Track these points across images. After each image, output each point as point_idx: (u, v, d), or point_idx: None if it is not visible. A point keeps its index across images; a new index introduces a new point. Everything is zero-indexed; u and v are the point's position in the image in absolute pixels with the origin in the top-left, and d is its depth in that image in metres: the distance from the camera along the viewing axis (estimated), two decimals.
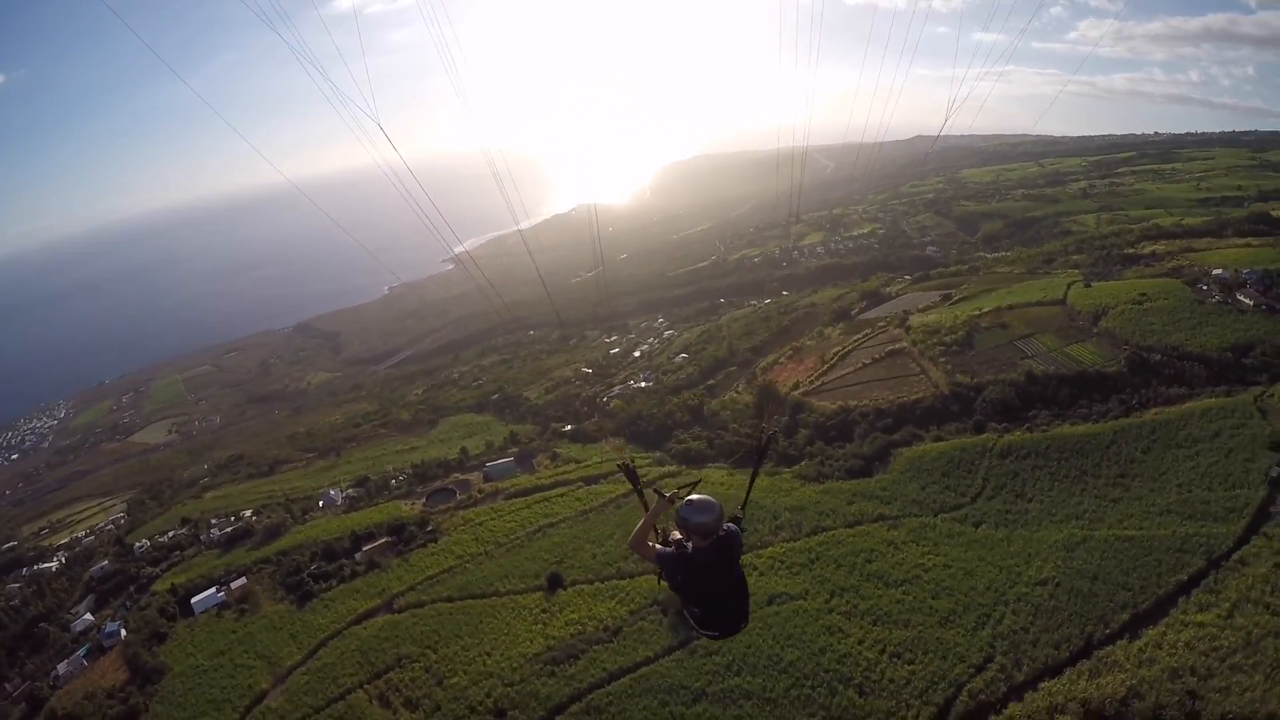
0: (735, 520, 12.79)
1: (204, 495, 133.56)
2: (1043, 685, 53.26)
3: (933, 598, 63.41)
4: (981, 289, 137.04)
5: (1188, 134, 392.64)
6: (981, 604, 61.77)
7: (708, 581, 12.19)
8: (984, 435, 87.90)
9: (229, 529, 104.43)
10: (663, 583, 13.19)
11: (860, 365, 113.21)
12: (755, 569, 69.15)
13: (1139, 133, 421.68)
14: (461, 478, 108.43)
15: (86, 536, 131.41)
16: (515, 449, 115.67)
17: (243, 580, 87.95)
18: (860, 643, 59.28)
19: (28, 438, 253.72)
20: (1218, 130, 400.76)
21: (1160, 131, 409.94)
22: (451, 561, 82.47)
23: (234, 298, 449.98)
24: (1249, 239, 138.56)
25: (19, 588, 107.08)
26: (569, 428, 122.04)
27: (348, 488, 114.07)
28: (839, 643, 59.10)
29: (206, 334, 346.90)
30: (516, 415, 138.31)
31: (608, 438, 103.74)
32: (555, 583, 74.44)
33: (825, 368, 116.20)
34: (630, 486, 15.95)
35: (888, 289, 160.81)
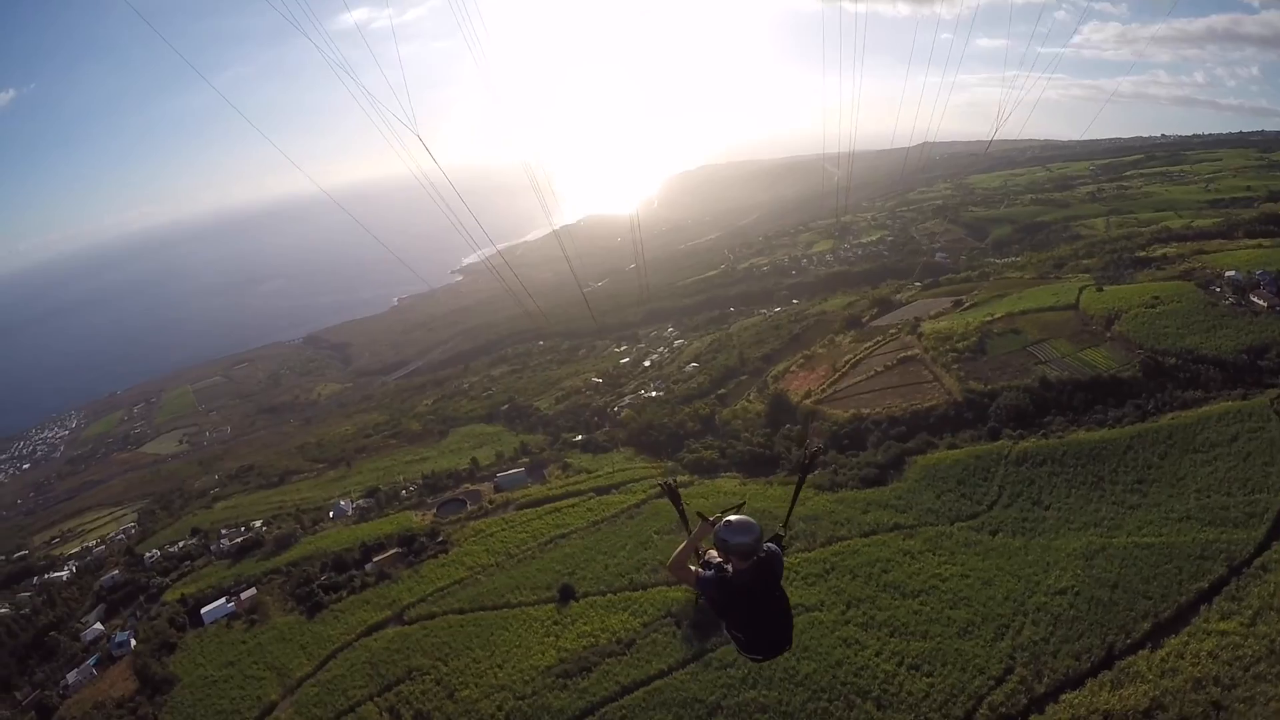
0: (776, 539, 12.38)
1: (214, 505, 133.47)
2: (1064, 697, 52.42)
3: (950, 608, 62.59)
4: (993, 295, 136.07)
5: (1194, 136, 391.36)
6: (1000, 614, 60.92)
7: (749, 605, 11.63)
8: (999, 442, 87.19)
9: (239, 539, 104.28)
10: (701, 601, 12.86)
11: (872, 373, 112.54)
12: None
13: (1146, 135, 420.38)
14: (472, 488, 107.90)
15: (97, 546, 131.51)
16: (526, 459, 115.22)
17: (252, 591, 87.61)
18: (877, 655, 58.46)
19: (39, 448, 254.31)
20: (1225, 131, 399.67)
21: (1167, 134, 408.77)
22: (462, 573, 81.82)
23: (243, 310, 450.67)
24: (1260, 240, 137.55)
25: (29, 596, 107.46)
26: (580, 438, 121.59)
27: (358, 498, 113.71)
28: (856, 655, 58.27)
29: (216, 345, 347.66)
30: (527, 425, 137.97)
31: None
32: (567, 594, 73.70)
33: (837, 376, 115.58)
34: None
35: (898, 296, 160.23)
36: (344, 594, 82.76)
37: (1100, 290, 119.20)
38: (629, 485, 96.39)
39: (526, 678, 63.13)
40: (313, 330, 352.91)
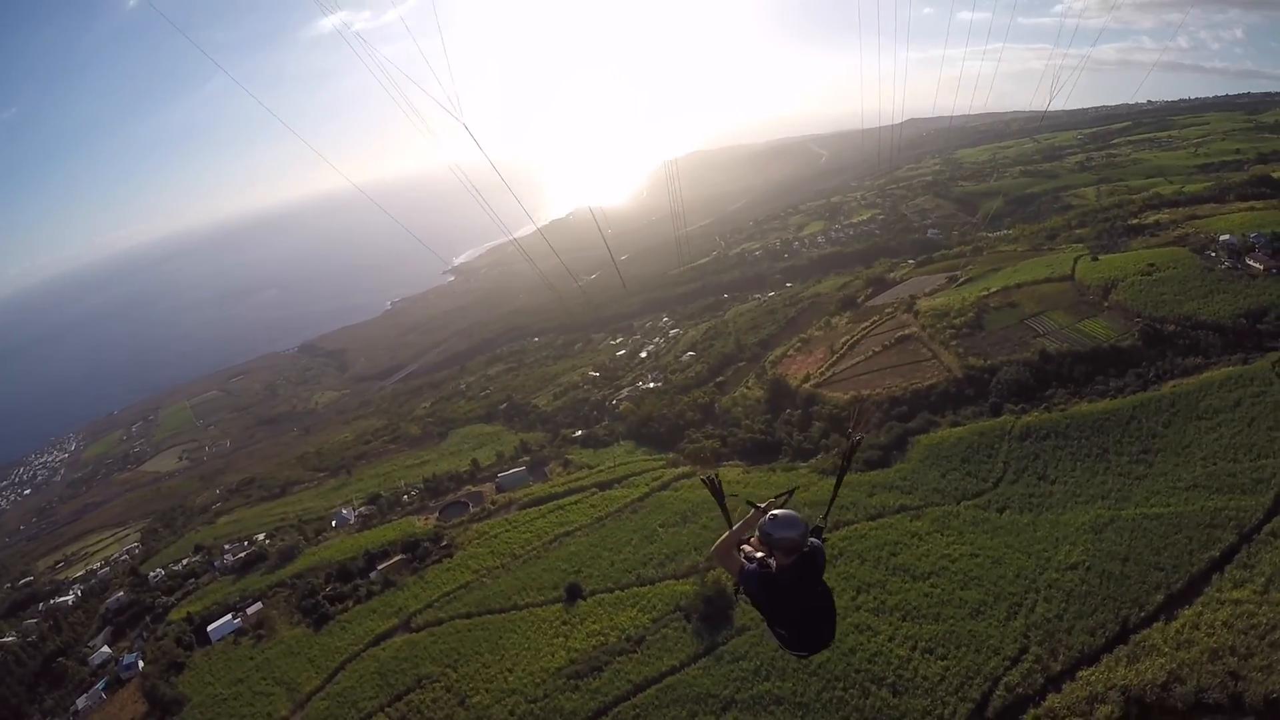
0: (817, 532, 11.89)
1: (216, 521, 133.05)
2: (1080, 674, 51.87)
3: (961, 589, 62.01)
4: (987, 269, 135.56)
5: (1181, 100, 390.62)
6: (1012, 593, 60.35)
7: (793, 600, 11.20)
8: (1001, 418, 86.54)
9: (242, 554, 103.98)
10: (739, 594, 12.33)
11: (870, 353, 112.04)
12: None
13: (1132, 102, 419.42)
14: (474, 490, 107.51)
15: (101, 568, 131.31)
16: (526, 458, 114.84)
17: (258, 605, 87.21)
18: (890, 640, 57.87)
19: (39, 473, 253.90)
20: (1211, 95, 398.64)
21: (1153, 100, 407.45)
22: (468, 576, 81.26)
23: (236, 322, 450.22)
24: (1253, 203, 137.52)
25: (36, 623, 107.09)
26: (579, 433, 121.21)
27: (360, 506, 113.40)
28: (869, 641, 57.67)
29: (212, 360, 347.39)
30: (526, 423, 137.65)
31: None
32: (574, 593, 73.11)
33: (835, 358, 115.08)
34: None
35: (892, 274, 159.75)
36: (350, 604, 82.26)
37: (1095, 260, 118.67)
38: (631, 479, 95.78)
39: (537, 680, 62.56)
40: (307, 339, 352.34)
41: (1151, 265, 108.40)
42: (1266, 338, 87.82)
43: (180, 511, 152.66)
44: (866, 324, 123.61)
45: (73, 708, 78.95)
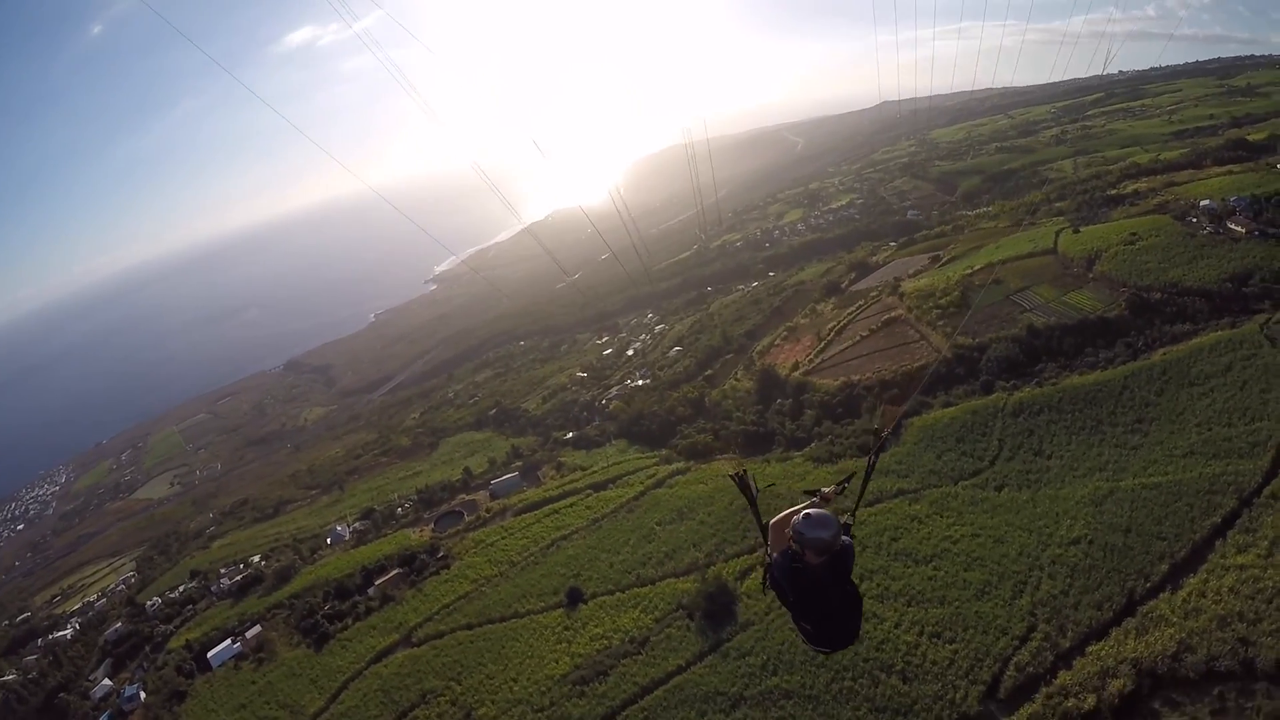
0: (845, 529, 12.14)
1: (211, 545, 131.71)
2: (1090, 649, 51.48)
3: (965, 570, 61.61)
4: (969, 247, 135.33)
5: (1152, 69, 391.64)
6: (1016, 571, 59.97)
7: (822, 597, 11.43)
8: (993, 395, 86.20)
9: (239, 577, 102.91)
10: (767, 585, 12.55)
11: (858, 338, 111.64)
12: None
13: (1104, 73, 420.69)
14: (468, 498, 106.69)
15: (98, 600, 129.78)
16: (519, 463, 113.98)
17: (257, 628, 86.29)
18: (897, 626, 57.44)
19: (31, 507, 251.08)
20: (1182, 62, 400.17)
21: (1125, 70, 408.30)
22: (467, 587, 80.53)
23: (221, 344, 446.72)
24: (1230, 166, 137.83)
25: (36, 659, 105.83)
26: (571, 435, 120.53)
27: (354, 521, 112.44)
28: (875, 628, 57.11)
29: (198, 383, 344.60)
30: (516, 428, 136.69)
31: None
32: (575, 597, 72.50)
33: (823, 344, 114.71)
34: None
35: (874, 258, 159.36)
36: (349, 622, 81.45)
37: (1077, 232, 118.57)
38: (625, 478, 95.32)
39: (543, 689, 61.90)
40: (293, 356, 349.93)
41: (1134, 234, 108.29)
42: (1253, 300, 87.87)
43: (174, 538, 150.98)
44: (852, 309, 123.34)
45: None
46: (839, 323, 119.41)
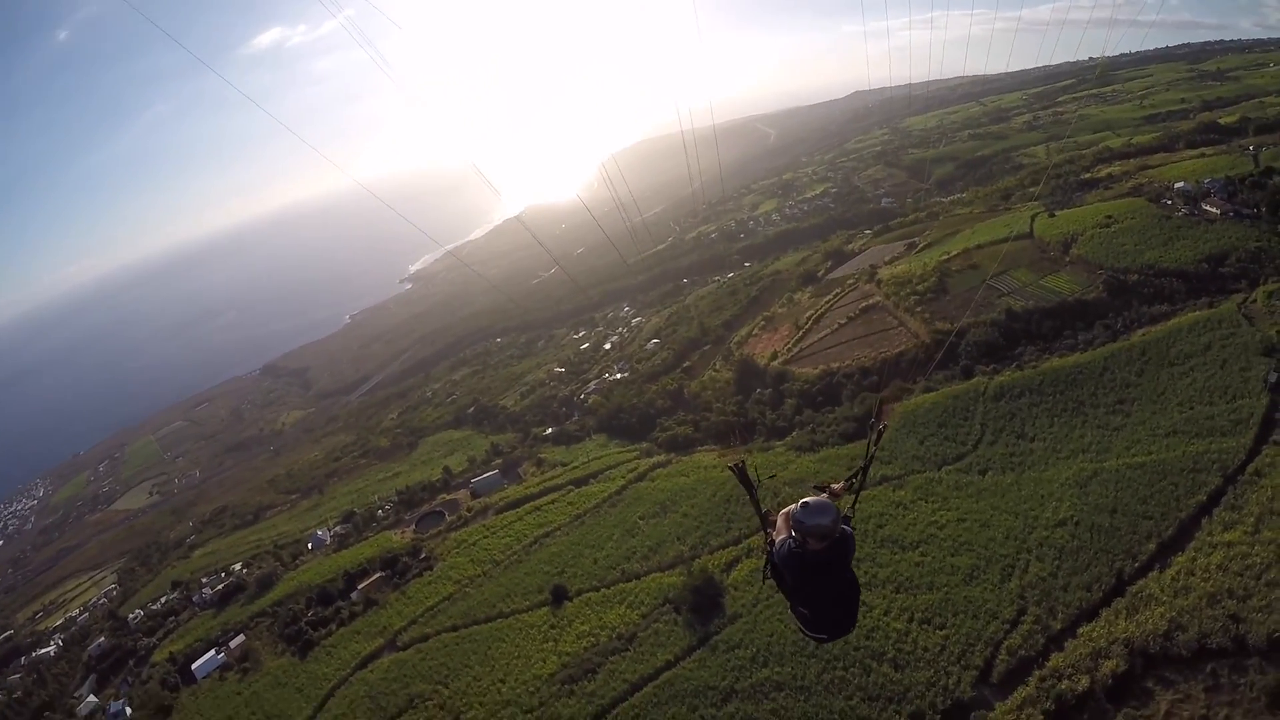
0: (845, 521, 12.35)
1: (192, 554, 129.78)
2: (1081, 630, 51.45)
3: (952, 555, 61.36)
4: (945, 233, 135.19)
5: (1122, 55, 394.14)
6: (1004, 555, 59.78)
7: (822, 584, 11.89)
8: (974, 379, 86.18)
9: (220, 586, 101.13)
10: (768, 580, 13.19)
11: (836, 326, 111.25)
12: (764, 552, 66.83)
13: (1074, 60, 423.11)
14: (449, 498, 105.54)
15: (81, 614, 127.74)
16: (499, 460, 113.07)
17: (241, 638, 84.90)
18: (886, 613, 57.05)
19: (9, 522, 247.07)
20: (1151, 48, 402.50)
21: (1094, 56, 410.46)
22: (450, 588, 79.50)
23: (196, 349, 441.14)
24: (1202, 149, 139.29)
25: (19, 678, 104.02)
26: (550, 431, 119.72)
27: (335, 525, 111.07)
28: (865, 616, 56.46)
29: (174, 390, 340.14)
30: (495, 425, 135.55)
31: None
32: (560, 595, 71.62)
33: (801, 333, 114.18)
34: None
35: (850, 246, 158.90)
36: (333, 627, 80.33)
37: (1052, 216, 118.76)
38: (606, 473, 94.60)
39: (531, 689, 61.06)
40: (269, 359, 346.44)
41: (1109, 217, 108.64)
42: (1230, 280, 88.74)
43: (155, 548, 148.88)
44: (829, 297, 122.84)
45: None
46: (816, 311, 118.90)
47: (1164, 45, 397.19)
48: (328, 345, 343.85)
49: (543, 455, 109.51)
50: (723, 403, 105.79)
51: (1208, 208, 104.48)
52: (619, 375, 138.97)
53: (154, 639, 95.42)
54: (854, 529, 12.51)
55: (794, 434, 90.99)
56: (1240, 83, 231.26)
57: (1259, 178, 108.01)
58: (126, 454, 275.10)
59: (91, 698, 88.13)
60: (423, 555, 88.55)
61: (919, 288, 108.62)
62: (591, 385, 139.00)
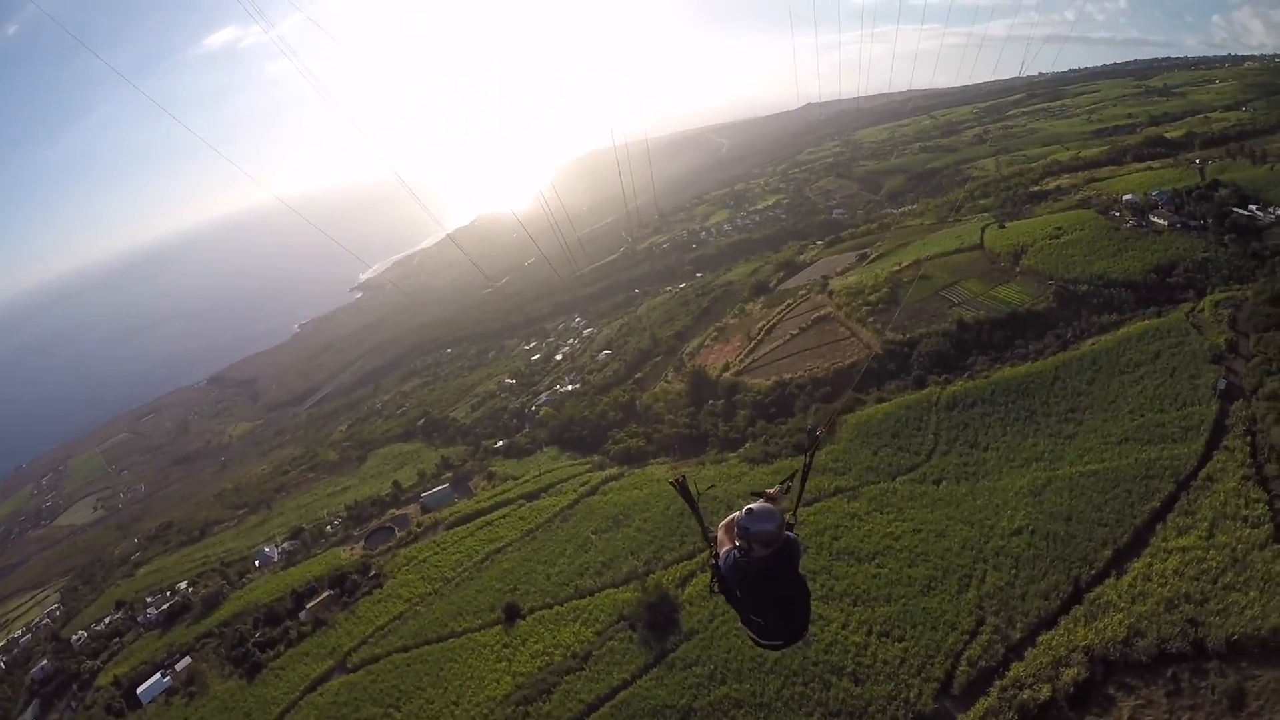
0: (788, 528, 11.93)
1: (136, 572, 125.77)
2: (1041, 639, 51.26)
3: (909, 566, 60.88)
4: (896, 244, 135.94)
5: (1071, 71, 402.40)
6: (960, 565, 59.43)
7: (773, 592, 11.58)
8: (926, 390, 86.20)
9: (166, 606, 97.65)
10: (714, 588, 12.88)
11: (788, 337, 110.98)
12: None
13: (1024, 75, 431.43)
14: (398, 513, 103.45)
15: (23, 635, 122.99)
16: (449, 474, 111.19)
17: (187, 660, 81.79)
18: (844, 627, 56.27)
19: None
20: (1100, 64, 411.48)
21: (1044, 71, 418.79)
22: (400, 607, 77.33)
23: (142, 359, 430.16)
24: (1149, 163, 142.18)
25: None
26: (501, 444, 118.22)
27: (283, 541, 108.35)
28: (822, 630, 55.81)
29: (120, 400, 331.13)
30: (445, 438, 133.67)
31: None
32: (513, 613, 69.84)
33: (753, 344, 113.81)
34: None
35: (802, 257, 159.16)
36: (281, 649, 77.53)
37: (1003, 227, 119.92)
38: (558, 486, 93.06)
39: (485, 711, 59.28)
40: (217, 370, 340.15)
41: (1059, 229, 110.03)
42: (1177, 290, 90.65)
43: (99, 566, 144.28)
44: (781, 308, 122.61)
45: None
46: (768, 322, 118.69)
47: (1112, 61, 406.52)
48: (276, 355, 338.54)
49: (493, 469, 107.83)
50: (675, 414, 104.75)
51: (1155, 219, 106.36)
52: (570, 387, 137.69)
53: (98, 661, 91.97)
54: (799, 535, 12.24)
55: (747, 445, 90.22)
56: (1186, 98, 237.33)
57: (1205, 190, 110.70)
58: (70, 467, 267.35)
59: None
60: (372, 573, 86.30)
61: (871, 298, 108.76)
62: (543, 397, 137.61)
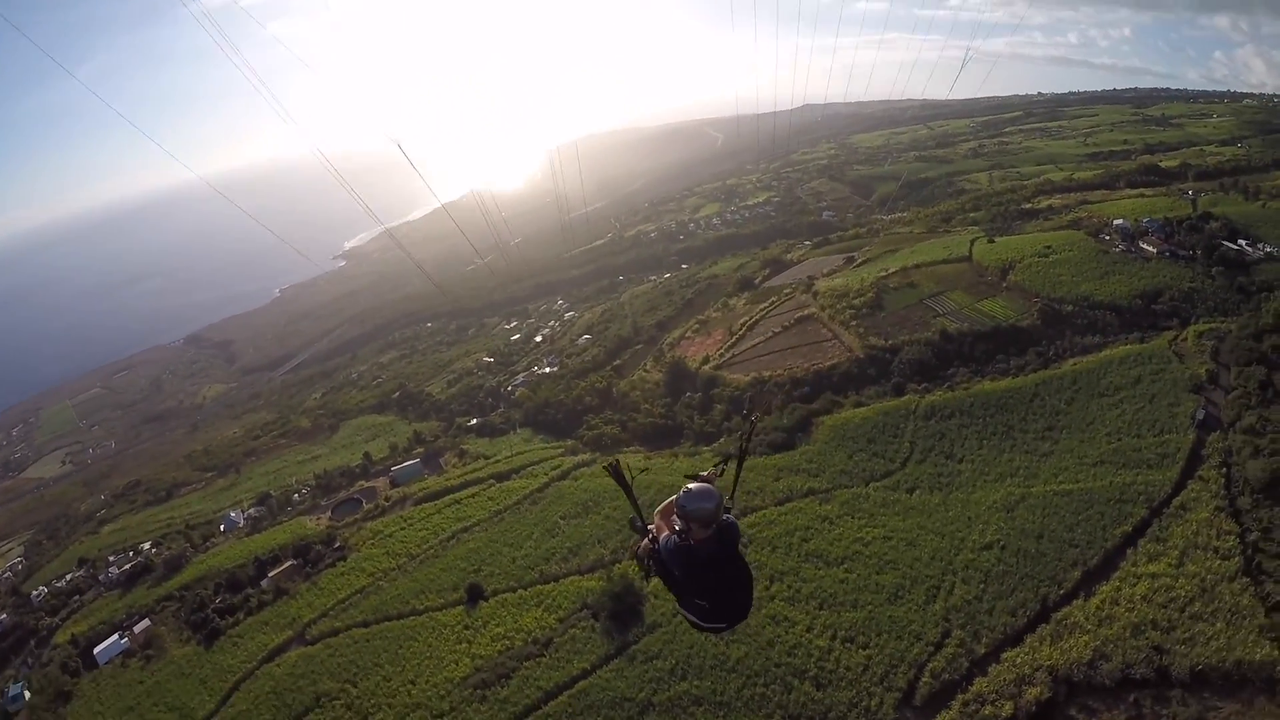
0: (726, 510, 11.88)
1: (101, 530, 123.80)
2: (1005, 656, 51.02)
3: (877, 573, 60.57)
4: (884, 250, 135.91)
5: (1070, 93, 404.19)
6: (929, 575, 59.22)
7: (712, 572, 11.51)
8: (905, 397, 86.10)
9: (128, 566, 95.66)
10: (653, 579, 12.95)
11: (770, 334, 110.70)
12: None
13: (1023, 93, 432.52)
14: (367, 485, 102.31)
15: None
16: (421, 449, 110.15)
17: (146, 622, 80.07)
18: (809, 630, 55.82)
19: None
20: (1100, 89, 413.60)
21: (1044, 91, 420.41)
22: (363, 581, 76.20)
23: (120, 314, 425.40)
24: (1142, 190, 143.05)
25: None
26: (475, 422, 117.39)
27: (249, 507, 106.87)
28: (786, 632, 55.50)
29: (95, 354, 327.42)
30: (420, 412, 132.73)
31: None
32: (475, 594, 69.03)
33: (734, 339, 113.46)
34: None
35: (789, 256, 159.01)
36: (241, 616, 76.02)
37: (992, 242, 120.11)
38: (529, 469, 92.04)
39: (442, 692, 58.47)
40: (194, 329, 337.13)
41: (1048, 247, 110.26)
42: (1162, 317, 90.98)
43: (64, 521, 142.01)
44: (765, 305, 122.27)
45: None
46: (751, 318, 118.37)
47: (1112, 87, 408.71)
48: (254, 319, 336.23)
49: (466, 446, 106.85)
50: (651, 404, 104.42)
51: (1145, 246, 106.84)
52: (548, 369, 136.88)
53: (57, 619, 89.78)
54: (747, 534, 11.81)
55: (722, 440, 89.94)
56: (1183, 130, 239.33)
57: (1196, 221, 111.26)
58: (41, 419, 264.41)
59: None
60: (337, 544, 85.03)
61: (855, 302, 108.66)
62: (520, 378, 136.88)
